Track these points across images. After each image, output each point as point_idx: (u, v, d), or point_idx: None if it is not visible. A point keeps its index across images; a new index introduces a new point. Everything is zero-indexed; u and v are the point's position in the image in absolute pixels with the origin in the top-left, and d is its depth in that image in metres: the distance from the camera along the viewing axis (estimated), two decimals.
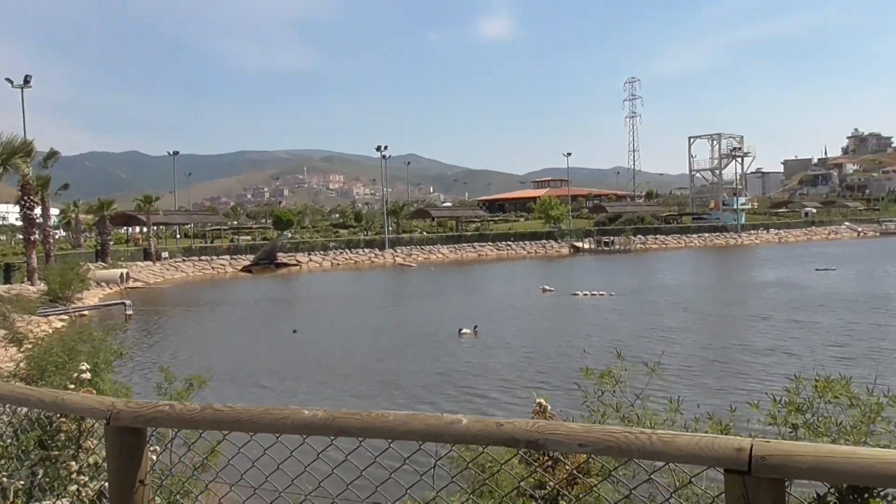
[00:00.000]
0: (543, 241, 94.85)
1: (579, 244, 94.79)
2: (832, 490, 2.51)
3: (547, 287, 45.35)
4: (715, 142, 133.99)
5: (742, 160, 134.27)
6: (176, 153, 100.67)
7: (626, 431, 2.63)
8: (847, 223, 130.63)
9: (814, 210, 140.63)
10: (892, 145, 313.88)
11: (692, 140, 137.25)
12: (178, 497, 4.19)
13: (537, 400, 4.14)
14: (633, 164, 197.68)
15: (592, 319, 31.98)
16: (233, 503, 3.41)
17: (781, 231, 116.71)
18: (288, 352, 26.42)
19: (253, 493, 3.19)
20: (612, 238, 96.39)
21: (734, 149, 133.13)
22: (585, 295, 41.28)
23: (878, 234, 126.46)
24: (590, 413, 5.84)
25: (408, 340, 28.07)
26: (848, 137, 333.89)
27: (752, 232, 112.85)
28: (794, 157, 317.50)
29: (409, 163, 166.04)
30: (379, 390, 19.24)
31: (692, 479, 2.98)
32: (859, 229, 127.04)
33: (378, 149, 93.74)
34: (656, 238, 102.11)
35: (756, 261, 72.94)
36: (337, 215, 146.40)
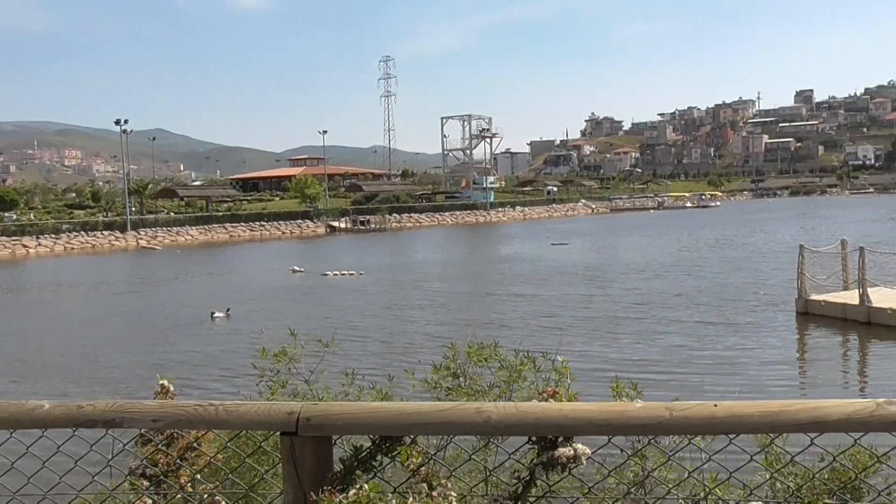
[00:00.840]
0: (299, 220, 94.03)
1: (335, 224, 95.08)
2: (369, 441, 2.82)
3: (297, 268, 45.18)
4: (466, 122, 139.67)
5: (491, 141, 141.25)
6: None
7: (197, 405, 2.79)
8: (583, 200, 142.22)
9: (555, 189, 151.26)
10: (623, 129, 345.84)
11: (445, 120, 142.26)
12: None
13: (160, 381, 4.19)
14: (390, 143, 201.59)
15: (336, 299, 32.30)
16: None
17: (526, 208, 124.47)
18: None
19: None
20: (368, 217, 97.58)
21: (483, 130, 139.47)
22: (336, 275, 41.59)
23: (608, 210, 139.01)
24: (267, 390, 6.02)
25: (142, 329, 26.57)
26: (586, 121, 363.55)
27: (500, 209, 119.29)
28: (539, 139, 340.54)
29: (154, 138, 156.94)
30: (74, 387, 17.72)
31: (261, 445, 3.20)
32: (593, 206, 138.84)
33: (118, 122, 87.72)
34: (411, 216, 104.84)
35: (500, 237, 77.38)
36: (73, 194, 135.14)
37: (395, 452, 2.84)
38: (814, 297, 22.38)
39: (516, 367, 5.52)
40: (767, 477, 3.39)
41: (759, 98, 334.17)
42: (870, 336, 19.70)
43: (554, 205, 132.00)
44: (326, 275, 41.68)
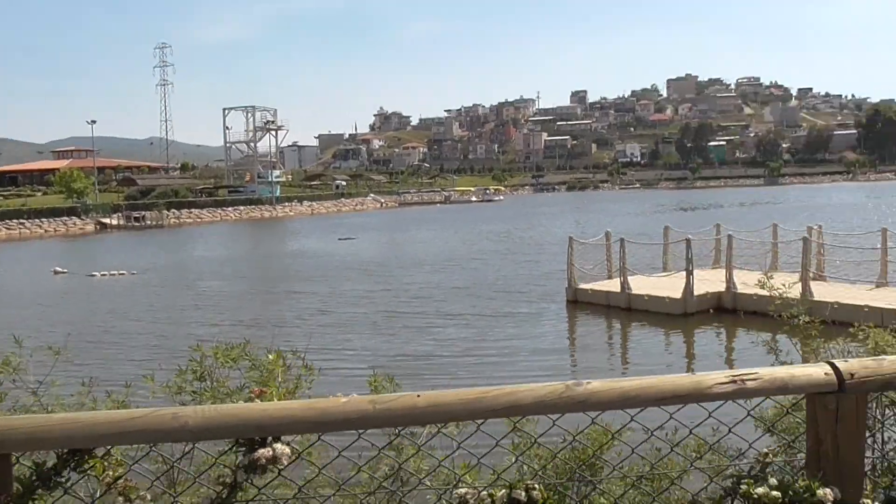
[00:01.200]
0: (65, 218, 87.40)
1: (107, 220, 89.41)
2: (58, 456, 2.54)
3: (59, 269, 41.88)
4: (249, 114, 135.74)
5: (276, 133, 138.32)
6: None
7: None
8: (372, 195, 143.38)
9: (344, 183, 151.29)
10: (412, 124, 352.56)
11: (227, 112, 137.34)
12: None
13: None
14: (167, 135, 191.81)
15: (102, 302, 30.13)
16: None
17: (314, 203, 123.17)
18: None
19: None
20: (143, 213, 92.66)
21: (268, 122, 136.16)
22: (104, 275, 38.93)
23: (397, 204, 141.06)
24: None
25: None
26: (375, 115, 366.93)
27: (287, 204, 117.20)
28: (328, 132, 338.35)
29: None
30: None
31: None
32: (382, 200, 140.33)
33: None
34: (191, 212, 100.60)
35: (286, 232, 76.11)
36: None
37: (89, 466, 2.61)
38: (582, 286, 23.86)
39: (267, 367, 5.33)
40: (513, 460, 3.45)
41: (538, 97, 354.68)
42: (630, 321, 21.27)
43: (343, 199, 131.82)
44: (93, 275, 38.90)
